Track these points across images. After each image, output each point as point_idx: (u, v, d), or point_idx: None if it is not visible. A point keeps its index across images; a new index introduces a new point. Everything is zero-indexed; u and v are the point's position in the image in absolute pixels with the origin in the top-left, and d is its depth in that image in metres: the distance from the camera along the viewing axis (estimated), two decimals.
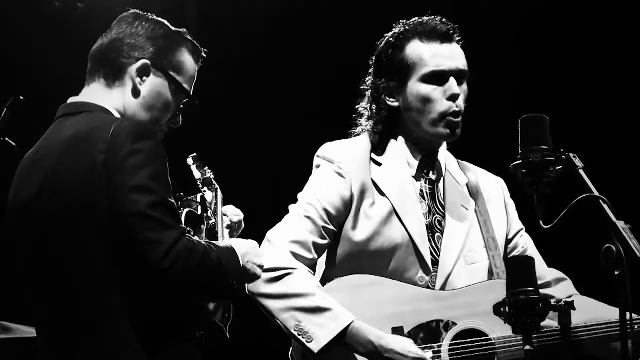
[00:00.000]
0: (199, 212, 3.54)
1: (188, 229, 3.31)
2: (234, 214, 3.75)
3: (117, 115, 3.24)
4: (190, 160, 3.89)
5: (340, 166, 3.80)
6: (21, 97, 4.34)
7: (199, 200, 3.59)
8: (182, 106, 3.35)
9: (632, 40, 6.12)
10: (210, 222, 3.59)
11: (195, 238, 3.28)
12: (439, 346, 3.67)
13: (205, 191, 3.80)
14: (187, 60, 3.34)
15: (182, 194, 3.57)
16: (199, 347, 3.21)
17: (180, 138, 3.94)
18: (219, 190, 3.80)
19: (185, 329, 3.17)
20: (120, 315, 3.07)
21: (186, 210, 3.41)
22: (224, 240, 3.57)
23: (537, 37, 6.19)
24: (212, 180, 3.84)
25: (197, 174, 3.86)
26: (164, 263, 2.97)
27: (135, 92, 3.26)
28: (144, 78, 3.26)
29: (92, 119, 3.18)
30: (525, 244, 3.96)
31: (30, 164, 3.22)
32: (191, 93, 3.35)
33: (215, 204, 3.72)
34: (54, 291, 3.14)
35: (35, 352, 3.24)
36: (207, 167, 3.88)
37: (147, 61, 3.26)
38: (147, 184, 3.02)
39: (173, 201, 3.11)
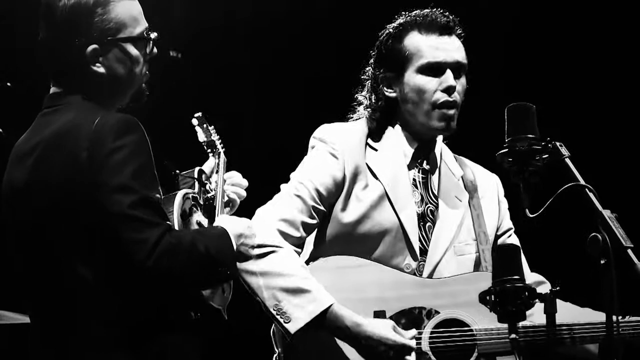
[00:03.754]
0: (195, 190, 3.50)
1: (183, 209, 3.28)
2: (237, 182, 3.70)
3: (94, 102, 3.21)
4: (195, 121, 3.82)
5: (334, 147, 3.82)
6: (8, 84, 4.31)
7: (195, 175, 3.55)
8: (149, 42, 3.27)
9: (619, 31, 6.13)
10: (209, 195, 3.54)
11: (195, 215, 3.26)
12: (420, 333, 3.68)
13: (209, 153, 3.75)
14: (124, 9, 3.22)
15: (177, 171, 3.54)
16: (192, 333, 3.20)
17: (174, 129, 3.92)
18: (222, 154, 3.74)
19: (174, 318, 3.16)
20: (104, 310, 3.05)
21: (181, 192, 3.37)
22: (221, 213, 3.54)
23: (526, 25, 6.19)
24: (217, 142, 3.78)
25: (201, 136, 3.79)
26: (148, 262, 2.95)
27: (98, 76, 3.20)
28: (98, 59, 3.20)
29: (74, 114, 3.14)
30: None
31: (22, 154, 3.20)
32: (146, 25, 3.26)
33: (217, 172, 3.67)
34: (40, 285, 3.14)
35: (22, 339, 3.24)
36: (213, 127, 3.81)
37: (94, 45, 3.17)
38: (129, 183, 3.00)
39: (158, 196, 3.08)
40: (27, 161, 3.16)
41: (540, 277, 3.95)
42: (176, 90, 5.58)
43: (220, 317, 3.32)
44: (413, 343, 3.61)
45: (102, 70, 3.19)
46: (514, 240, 4.00)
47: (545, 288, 3.89)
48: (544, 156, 3.08)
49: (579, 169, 3.11)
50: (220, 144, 3.79)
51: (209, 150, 3.77)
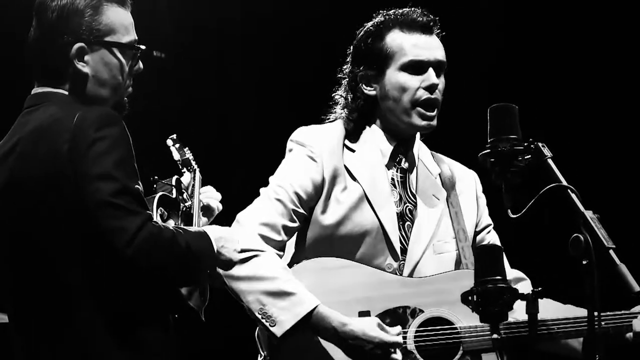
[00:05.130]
0: (174, 196, 3.52)
1: (161, 211, 3.29)
2: (212, 196, 3.73)
3: (76, 100, 3.21)
4: (169, 142, 3.87)
5: (312, 150, 3.81)
6: None
7: (174, 183, 3.57)
8: (137, 55, 3.29)
9: (600, 33, 6.15)
10: (186, 204, 3.57)
11: (170, 221, 3.26)
12: (405, 332, 3.69)
13: (184, 172, 3.79)
14: (115, 16, 3.25)
15: (156, 177, 3.55)
16: (173, 332, 3.19)
17: (163, 128, 3.92)
18: (197, 172, 3.78)
19: (157, 316, 3.16)
20: (89, 305, 3.06)
21: (159, 194, 3.39)
22: (200, 222, 3.56)
23: (509, 26, 6.20)
24: (191, 161, 3.82)
25: (176, 155, 3.84)
26: (128, 250, 2.96)
27: (82, 76, 3.22)
28: (85, 58, 3.21)
29: (55, 110, 3.15)
30: (491, 241, 3.98)
31: (3, 155, 3.20)
32: (136, 37, 3.29)
33: (193, 185, 3.70)
34: (23, 282, 3.14)
35: (5, 338, 3.24)
36: (187, 148, 3.85)
37: (81, 43, 3.20)
38: (110, 172, 3.01)
39: (139, 187, 3.09)
40: (8, 160, 3.16)
41: (520, 274, 3.97)
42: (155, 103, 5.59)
43: (197, 319, 3.32)
44: (399, 339, 3.61)
45: (86, 70, 3.21)
46: (493, 236, 4.02)
47: (524, 284, 3.94)
48: (526, 157, 3.08)
49: (561, 170, 3.11)
50: (194, 162, 3.83)
51: (183, 170, 3.81)
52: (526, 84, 6.05)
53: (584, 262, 2.95)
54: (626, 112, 6.12)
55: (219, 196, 3.75)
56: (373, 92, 3.86)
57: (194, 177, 3.76)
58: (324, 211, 3.79)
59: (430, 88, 3.80)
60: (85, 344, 3.07)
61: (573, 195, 3.06)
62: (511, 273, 3.94)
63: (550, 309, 3.74)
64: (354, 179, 3.82)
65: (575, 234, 2.98)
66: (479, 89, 5.97)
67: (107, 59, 3.24)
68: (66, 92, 3.21)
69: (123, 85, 3.28)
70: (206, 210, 3.68)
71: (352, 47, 3.93)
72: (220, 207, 3.74)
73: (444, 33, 3.89)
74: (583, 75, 6.13)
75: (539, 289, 3.09)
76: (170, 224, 3.36)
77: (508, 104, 3.10)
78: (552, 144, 3.16)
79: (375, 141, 3.88)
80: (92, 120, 3.06)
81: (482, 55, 6.15)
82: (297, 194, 3.77)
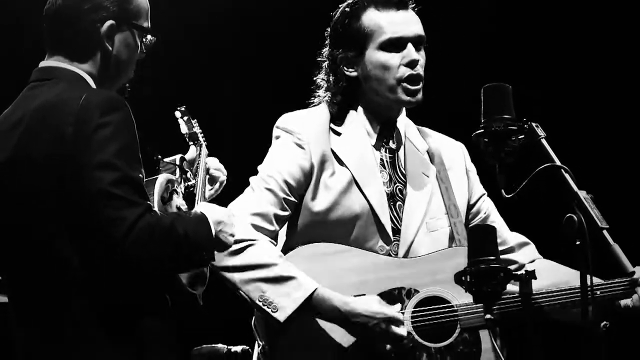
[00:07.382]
0: (177, 176, 3.51)
1: (163, 193, 3.28)
2: (217, 167, 3.72)
3: (89, 79, 3.19)
4: (177, 113, 3.87)
5: (300, 137, 3.80)
6: None
7: (177, 162, 3.57)
8: (145, 42, 3.30)
9: (596, 14, 6.14)
10: (189, 183, 3.56)
11: (174, 201, 3.24)
12: (402, 313, 3.68)
13: (191, 144, 3.77)
14: (142, 1, 3.27)
15: (160, 156, 3.54)
16: (169, 317, 3.19)
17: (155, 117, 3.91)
18: (203, 147, 3.77)
19: (154, 303, 3.15)
20: (87, 292, 3.04)
21: (161, 176, 3.37)
22: (206, 193, 3.55)
23: (504, 6, 6.20)
24: (199, 135, 3.81)
25: (183, 128, 3.84)
26: (125, 240, 2.94)
27: (106, 53, 3.21)
28: (112, 37, 3.21)
29: (62, 89, 3.13)
30: (488, 209, 3.97)
31: (6, 129, 3.18)
32: (150, 26, 3.30)
33: (198, 162, 3.69)
34: (21, 263, 3.13)
35: (4, 319, 3.23)
36: (195, 120, 3.84)
37: (112, 21, 3.19)
38: (112, 161, 2.99)
39: (140, 176, 3.07)
40: (11, 136, 3.14)
41: (523, 238, 3.97)
42: (158, 83, 5.58)
43: (195, 303, 3.32)
44: (400, 316, 3.63)
45: (110, 49, 3.20)
46: (489, 204, 4.00)
47: (529, 249, 3.94)
48: (519, 137, 3.07)
49: (554, 150, 3.11)
50: (202, 136, 3.82)
51: (190, 143, 3.80)
52: (520, 64, 6.04)
53: (577, 243, 2.95)
54: (620, 94, 6.12)
55: (223, 169, 3.76)
56: (354, 73, 3.85)
57: (200, 152, 3.74)
58: (313, 198, 3.78)
59: (411, 64, 3.78)
60: (83, 331, 3.06)
61: (567, 175, 3.06)
62: (514, 238, 3.95)
63: (552, 274, 3.76)
64: (341, 163, 3.81)
65: (568, 214, 2.98)
66: (473, 70, 5.97)
67: (129, 41, 3.24)
68: (77, 70, 3.20)
69: (131, 68, 3.28)
70: (211, 180, 3.68)
71: (329, 29, 3.91)
72: (225, 180, 3.73)
73: (418, 7, 3.86)
74: (577, 56, 6.13)
75: (533, 269, 3.09)
76: (174, 204, 3.35)
77: (501, 83, 3.09)
78: (545, 124, 3.16)
79: (360, 123, 3.87)
80: (97, 104, 3.04)
81: (475, 33, 6.14)
82: (286, 182, 3.76)
